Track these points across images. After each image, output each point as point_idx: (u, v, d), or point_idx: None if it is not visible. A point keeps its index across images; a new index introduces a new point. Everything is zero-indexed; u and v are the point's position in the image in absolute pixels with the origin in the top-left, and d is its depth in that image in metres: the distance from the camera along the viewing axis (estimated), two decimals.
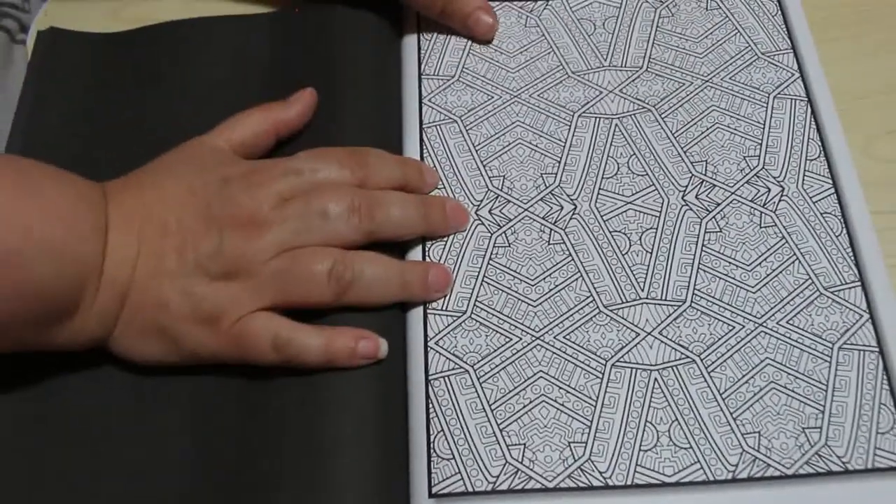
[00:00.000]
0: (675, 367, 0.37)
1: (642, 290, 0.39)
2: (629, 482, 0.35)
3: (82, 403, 0.39)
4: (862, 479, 0.34)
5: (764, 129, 0.42)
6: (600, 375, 0.37)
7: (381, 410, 0.37)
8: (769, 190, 0.40)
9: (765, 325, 0.37)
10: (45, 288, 0.34)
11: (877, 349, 0.36)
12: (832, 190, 0.40)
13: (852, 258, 0.39)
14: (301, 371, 0.37)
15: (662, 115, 0.42)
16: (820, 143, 0.41)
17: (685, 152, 0.41)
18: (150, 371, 0.39)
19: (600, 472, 0.35)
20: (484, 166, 0.42)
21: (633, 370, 0.37)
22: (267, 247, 0.37)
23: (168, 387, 0.39)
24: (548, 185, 0.42)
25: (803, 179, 0.40)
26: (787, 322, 0.37)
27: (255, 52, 0.47)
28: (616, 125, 0.43)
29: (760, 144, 0.41)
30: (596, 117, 0.43)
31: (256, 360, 0.37)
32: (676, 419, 0.36)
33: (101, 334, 0.37)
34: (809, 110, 0.42)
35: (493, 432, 0.36)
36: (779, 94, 0.43)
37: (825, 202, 0.40)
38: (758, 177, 0.41)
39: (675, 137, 0.42)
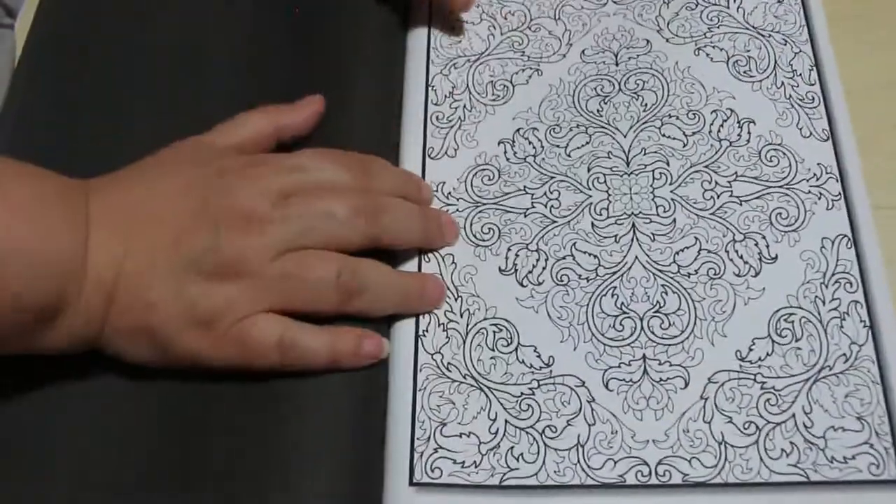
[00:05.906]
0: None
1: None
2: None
3: (49, 395, 0.37)
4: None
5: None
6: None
7: (361, 393, 0.37)
8: None
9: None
10: (20, 290, 0.32)
11: None
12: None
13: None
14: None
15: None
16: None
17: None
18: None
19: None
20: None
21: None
22: (269, 246, 0.35)
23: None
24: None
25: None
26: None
27: None
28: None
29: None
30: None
31: (258, 363, 0.35)
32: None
33: (90, 336, 0.35)
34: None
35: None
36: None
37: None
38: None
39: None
